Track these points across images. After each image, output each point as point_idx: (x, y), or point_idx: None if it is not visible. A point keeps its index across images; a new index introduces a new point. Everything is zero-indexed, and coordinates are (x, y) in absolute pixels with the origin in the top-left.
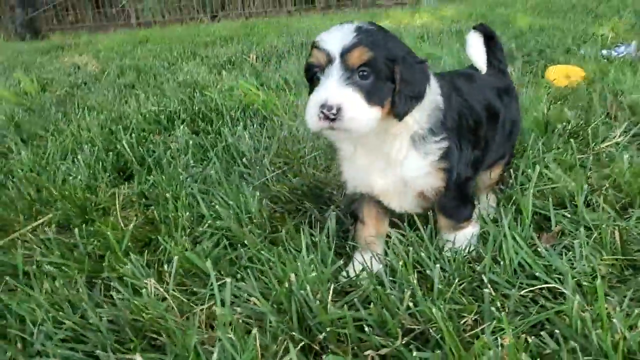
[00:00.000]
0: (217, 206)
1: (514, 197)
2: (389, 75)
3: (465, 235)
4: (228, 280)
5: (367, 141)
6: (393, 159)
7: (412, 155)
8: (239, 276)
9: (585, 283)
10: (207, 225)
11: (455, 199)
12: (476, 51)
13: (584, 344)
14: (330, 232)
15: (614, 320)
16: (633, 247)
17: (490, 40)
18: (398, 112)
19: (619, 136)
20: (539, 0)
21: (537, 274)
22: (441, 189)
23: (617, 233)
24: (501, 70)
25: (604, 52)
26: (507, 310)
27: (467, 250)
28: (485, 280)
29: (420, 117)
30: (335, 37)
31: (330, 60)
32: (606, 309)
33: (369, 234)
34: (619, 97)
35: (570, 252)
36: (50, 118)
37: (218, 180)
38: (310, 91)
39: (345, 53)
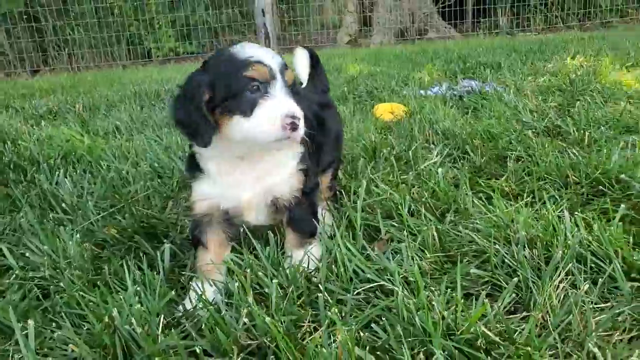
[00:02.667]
0: (28, 254)
1: (347, 213)
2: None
3: (312, 253)
4: (31, 324)
5: (261, 152)
6: (266, 170)
7: (282, 161)
8: (54, 325)
9: (411, 279)
10: (13, 276)
11: (305, 210)
12: (300, 65)
13: (411, 330)
14: (164, 265)
15: (434, 304)
16: (450, 245)
17: (316, 63)
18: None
19: (436, 156)
20: (369, 52)
21: (369, 276)
22: (298, 193)
23: (436, 235)
24: (323, 89)
25: (422, 92)
26: (342, 314)
27: (309, 266)
28: (322, 288)
29: None
30: (268, 55)
31: (273, 76)
32: (428, 297)
33: (208, 261)
34: (433, 125)
35: (399, 255)
36: None
37: (30, 228)
38: (236, 106)
39: (283, 71)
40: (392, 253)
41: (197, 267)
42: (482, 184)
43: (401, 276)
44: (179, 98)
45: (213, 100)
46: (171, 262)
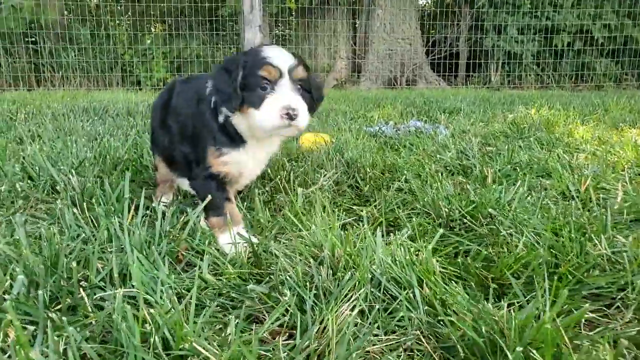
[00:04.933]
0: None
1: None
2: (309, 87)
3: None
4: None
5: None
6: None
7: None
8: None
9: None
10: None
11: None
12: None
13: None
14: None
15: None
16: (265, 261)
17: None
18: (313, 111)
19: (324, 181)
20: (344, 94)
21: None
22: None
23: (251, 249)
24: None
25: (370, 129)
26: None
27: None
28: None
29: None
30: (282, 57)
31: (280, 75)
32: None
33: (237, 212)
34: (342, 155)
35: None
36: None
37: None
38: (249, 98)
39: (292, 70)
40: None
41: (229, 220)
42: (355, 208)
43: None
44: (220, 70)
45: (243, 80)
46: None
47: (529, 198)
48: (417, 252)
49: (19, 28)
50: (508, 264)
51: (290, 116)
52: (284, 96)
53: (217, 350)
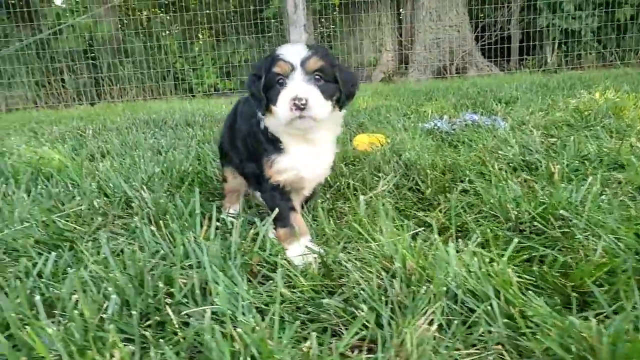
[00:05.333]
0: None
1: None
2: (333, 78)
3: None
4: None
5: (312, 132)
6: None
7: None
8: None
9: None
10: None
11: None
12: None
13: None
14: None
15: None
16: (335, 273)
17: None
18: (341, 103)
19: (382, 187)
20: (391, 88)
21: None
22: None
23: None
24: None
25: (425, 125)
26: None
27: None
28: None
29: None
30: (295, 52)
31: (293, 68)
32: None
33: (303, 223)
34: (400, 156)
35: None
36: None
37: None
38: (270, 96)
39: (304, 62)
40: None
41: (297, 231)
42: (419, 215)
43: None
44: (250, 77)
45: (265, 81)
46: None
47: (602, 196)
48: (490, 262)
49: (79, 46)
50: (589, 271)
51: (298, 106)
52: (293, 88)
53: None
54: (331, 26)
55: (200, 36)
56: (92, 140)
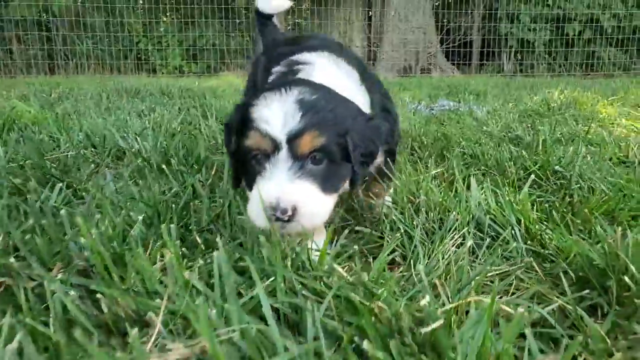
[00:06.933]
0: None
1: None
2: (342, 153)
3: None
4: None
5: None
6: None
7: None
8: None
9: None
10: None
11: None
12: None
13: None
14: None
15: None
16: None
17: None
18: (354, 185)
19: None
20: None
21: None
22: None
23: None
24: None
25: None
26: None
27: None
28: None
29: None
30: (278, 117)
31: (276, 147)
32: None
33: None
34: None
35: None
36: None
37: None
38: (242, 173)
39: (292, 139)
40: None
41: None
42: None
43: None
44: (225, 121)
45: (236, 145)
46: None
47: (588, 158)
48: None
49: (32, 15)
50: (594, 205)
51: (279, 218)
52: (273, 187)
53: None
54: (301, 19)
55: (165, 18)
56: (61, 103)
